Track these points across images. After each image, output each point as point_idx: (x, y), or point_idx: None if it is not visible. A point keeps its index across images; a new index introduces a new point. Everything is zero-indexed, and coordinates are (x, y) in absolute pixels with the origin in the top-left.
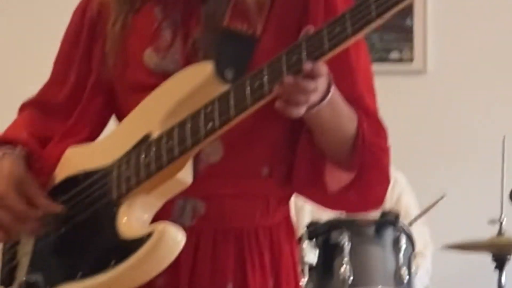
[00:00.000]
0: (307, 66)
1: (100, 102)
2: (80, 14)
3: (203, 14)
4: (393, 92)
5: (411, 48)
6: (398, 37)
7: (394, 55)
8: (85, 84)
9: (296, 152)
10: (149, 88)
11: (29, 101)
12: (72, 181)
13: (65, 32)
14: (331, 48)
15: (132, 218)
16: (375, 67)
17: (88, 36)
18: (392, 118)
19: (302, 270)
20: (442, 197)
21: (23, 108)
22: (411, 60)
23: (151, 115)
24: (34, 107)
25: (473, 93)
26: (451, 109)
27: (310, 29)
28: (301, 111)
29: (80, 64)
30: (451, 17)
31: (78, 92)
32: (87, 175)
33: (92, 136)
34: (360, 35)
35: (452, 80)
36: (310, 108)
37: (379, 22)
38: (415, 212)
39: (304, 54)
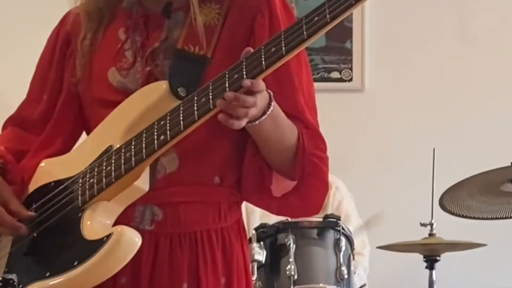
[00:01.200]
0: (246, 82)
1: (71, 116)
2: (54, 37)
3: (160, 38)
4: (334, 108)
5: (350, 69)
6: (339, 59)
7: (335, 74)
8: (58, 102)
9: (244, 162)
10: (113, 104)
11: (10, 118)
12: (44, 190)
13: (41, 53)
14: (268, 66)
15: (95, 222)
16: (318, 85)
17: (60, 56)
18: (334, 132)
19: (251, 269)
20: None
21: (5, 124)
22: (350, 79)
23: (114, 129)
24: (14, 123)
25: (406, 109)
26: (387, 124)
27: (250, 49)
28: (241, 123)
29: (53, 82)
30: (386, 41)
31: (51, 109)
32: (57, 184)
33: (65, 148)
34: (294, 53)
35: (387, 98)
36: (252, 121)
37: (310, 41)
38: (354, 216)
39: (244, 72)
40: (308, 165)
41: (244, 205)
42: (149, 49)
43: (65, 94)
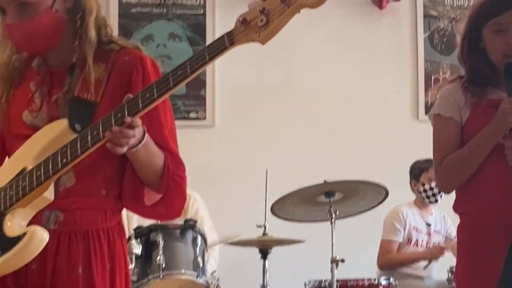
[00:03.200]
0: (128, 119)
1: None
2: None
3: (62, 88)
4: (192, 140)
5: (204, 110)
6: (196, 103)
7: (192, 114)
8: None
9: (124, 179)
10: (26, 137)
11: None
12: None
13: None
14: (143, 108)
15: (14, 223)
16: (180, 123)
17: None
18: (192, 157)
19: (131, 259)
20: (237, 236)
21: None
22: (204, 118)
23: (27, 155)
24: None
25: (245, 139)
26: (232, 151)
27: (130, 95)
28: (123, 150)
29: None
30: (231, 89)
31: None
32: None
33: None
34: (163, 98)
35: (232, 131)
36: (130, 148)
37: (176, 89)
38: (207, 220)
39: (126, 112)
40: (171, 182)
41: (125, 211)
42: (54, 97)
43: None
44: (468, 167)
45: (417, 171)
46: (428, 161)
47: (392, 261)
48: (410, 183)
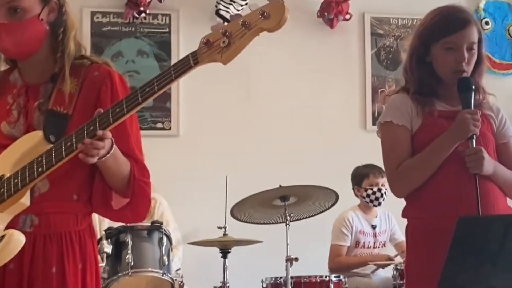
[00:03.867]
0: (99, 133)
1: None
2: None
3: (37, 101)
4: (158, 148)
5: (169, 121)
6: (162, 114)
7: (159, 125)
8: None
9: (94, 185)
10: (4, 146)
11: None
12: None
13: None
14: (114, 121)
15: None
16: (147, 133)
17: None
18: (157, 164)
19: (102, 258)
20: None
21: None
22: (169, 128)
23: (5, 163)
24: None
25: (207, 148)
26: (195, 158)
27: (101, 109)
28: (94, 160)
29: None
30: (194, 102)
31: None
32: None
33: None
34: (133, 112)
35: (195, 141)
36: (100, 158)
37: (143, 104)
38: (172, 222)
39: (97, 125)
40: (137, 188)
41: (96, 214)
42: (30, 109)
43: None
44: (424, 173)
45: (359, 177)
46: (367, 166)
47: (342, 264)
48: (353, 189)
